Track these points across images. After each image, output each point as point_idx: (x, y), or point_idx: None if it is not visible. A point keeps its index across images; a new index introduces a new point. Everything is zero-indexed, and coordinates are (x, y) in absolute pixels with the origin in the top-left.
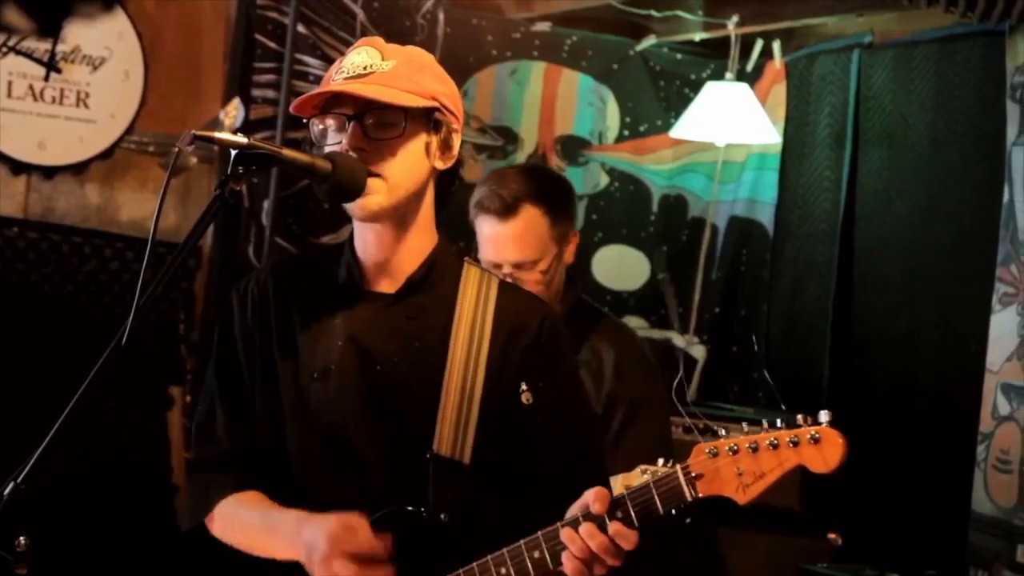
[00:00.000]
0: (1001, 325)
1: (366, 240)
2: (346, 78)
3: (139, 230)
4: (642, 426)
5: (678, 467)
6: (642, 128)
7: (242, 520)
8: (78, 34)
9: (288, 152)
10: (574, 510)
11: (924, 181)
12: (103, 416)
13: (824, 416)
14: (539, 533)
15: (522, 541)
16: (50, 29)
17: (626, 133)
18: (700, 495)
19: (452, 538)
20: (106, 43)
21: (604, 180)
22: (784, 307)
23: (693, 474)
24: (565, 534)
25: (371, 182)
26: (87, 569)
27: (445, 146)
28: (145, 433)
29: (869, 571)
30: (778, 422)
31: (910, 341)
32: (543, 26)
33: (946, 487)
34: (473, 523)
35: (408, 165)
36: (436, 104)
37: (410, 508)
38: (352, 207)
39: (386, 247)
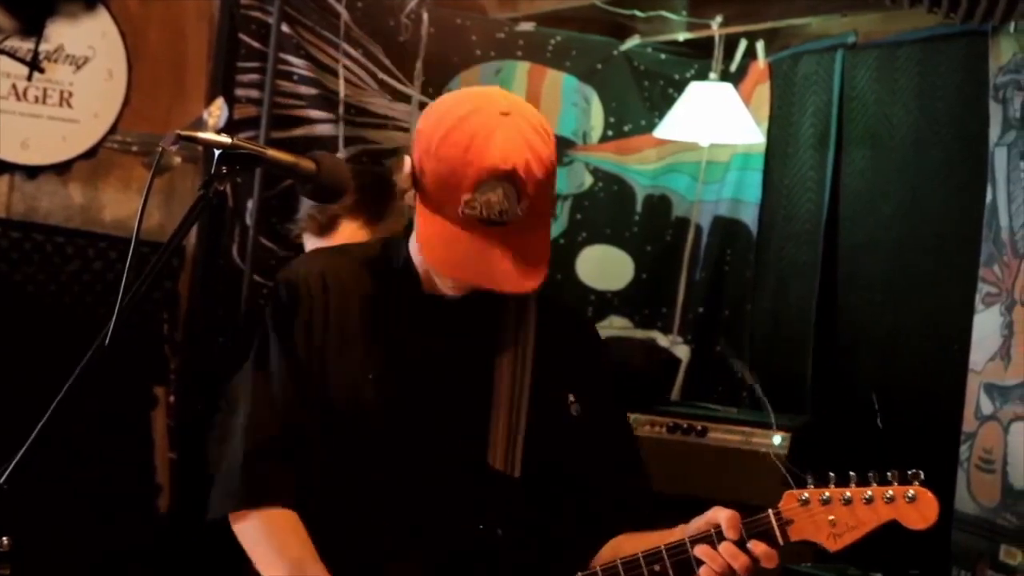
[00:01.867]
0: (984, 325)
1: (423, 262)
2: (481, 221)
3: (122, 230)
4: None
5: (770, 511)
6: (626, 128)
7: (264, 548)
8: (61, 33)
9: (272, 152)
10: (699, 525)
11: (907, 181)
12: (87, 416)
13: (916, 476)
14: (662, 547)
15: (640, 554)
16: (33, 28)
17: (610, 133)
18: (791, 540)
19: (506, 552)
20: (89, 42)
21: (588, 180)
22: (768, 307)
23: (784, 519)
24: (700, 550)
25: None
26: (71, 569)
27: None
28: (129, 433)
29: (853, 571)
30: (869, 476)
31: (893, 341)
32: (527, 26)
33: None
34: (524, 536)
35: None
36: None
37: (467, 521)
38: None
39: None
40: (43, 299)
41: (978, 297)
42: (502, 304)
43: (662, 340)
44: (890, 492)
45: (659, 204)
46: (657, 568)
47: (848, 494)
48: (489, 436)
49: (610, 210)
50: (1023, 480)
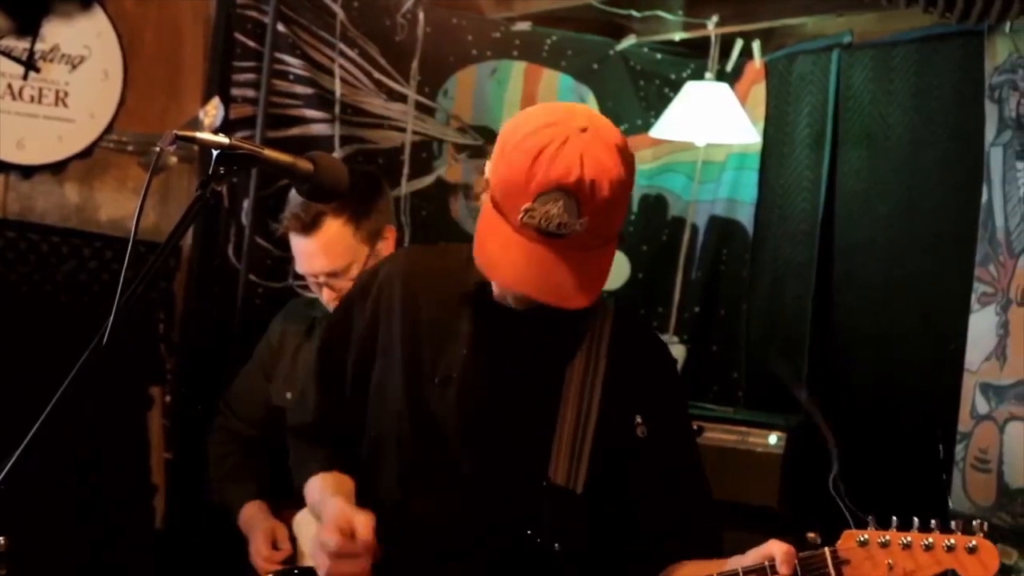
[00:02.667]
0: (979, 325)
1: None
2: (539, 231)
3: (118, 230)
4: None
5: (826, 550)
6: (622, 128)
7: (312, 497)
8: (57, 33)
9: (269, 152)
10: (754, 557)
11: (903, 181)
12: (83, 416)
13: (981, 527)
14: (715, 574)
15: None
16: (28, 28)
17: None
18: None
19: (561, 566)
20: (85, 42)
21: None
22: (763, 307)
23: (841, 559)
24: None
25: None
26: (66, 569)
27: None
28: (125, 433)
29: None
30: (931, 524)
31: (889, 341)
32: (523, 26)
33: (924, 486)
34: (582, 552)
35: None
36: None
37: (526, 534)
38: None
39: None
40: (38, 299)
41: (974, 297)
42: (578, 317)
43: None
44: (951, 540)
45: (655, 204)
46: None
47: (908, 539)
48: (552, 451)
49: None
50: (1019, 480)
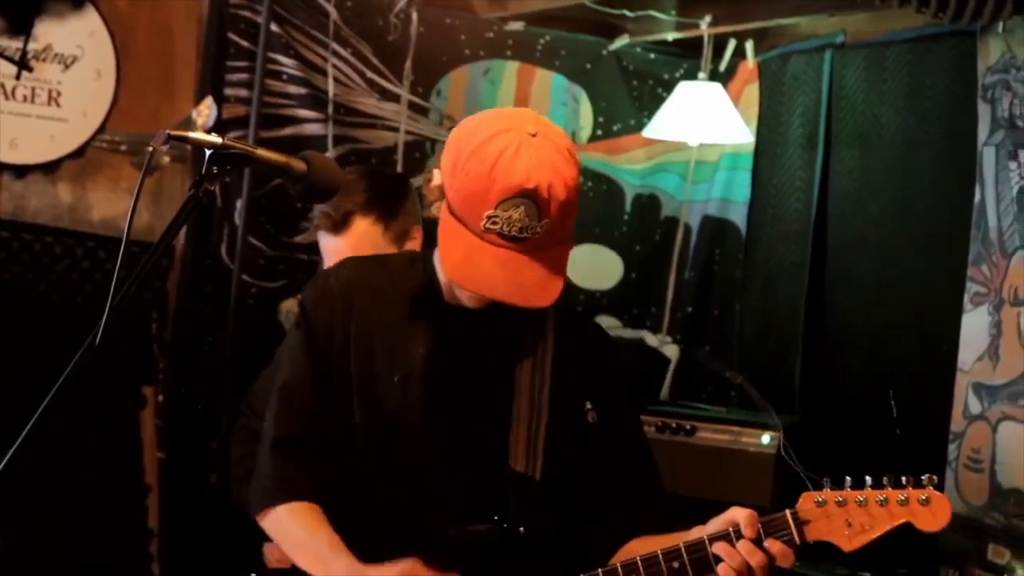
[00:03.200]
0: (972, 325)
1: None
2: (502, 235)
3: (111, 229)
4: None
5: (787, 512)
6: (615, 128)
7: (295, 534)
8: (50, 33)
9: (262, 152)
10: (717, 524)
11: (896, 181)
12: (76, 416)
13: (931, 480)
14: (680, 544)
15: (659, 551)
16: (21, 27)
17: (599, 133)
18: (807, 539)
19: (528, 552)
20: (78, 42)
21: None
22: (756, 306)
23: (802, 519)
24: (719, 547)
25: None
26: (60, 569)
27: None
28: (118, 433)
29: (841, 570)
30: (884, 480)
31: (882, 340)
32: (516, 25)
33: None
34: (550, 537)
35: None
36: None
37: (492, 521)
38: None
39: None
40: (31, 299)
41: (967, 296)
42: (522, 315)
43: (651, 340)
44: (904, 495)
45: (648, 204)
46: (676, 565)
47: (863, 496)
48: (510, 440)
49: (599, 210)
50: (1011, 479)
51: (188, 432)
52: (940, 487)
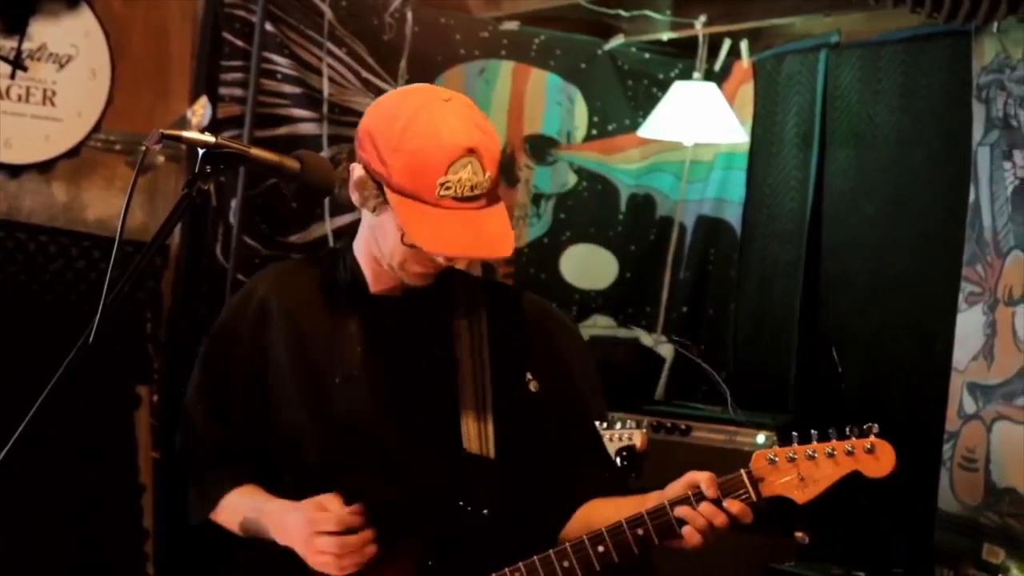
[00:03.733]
0: (967, 324)
1: (369, 256)
2: (457, 199)
3: (105, 229)
4: None
5: (743, 471)
6: (610, 127)
7: (238, 510)
8: (44, 32)
9: (256, 151)
10: (676, 489)
11: (891, 181)
12: (70, 415)
13: (871, 428)
14: (643, 512)
15: (623, 520)
16: (16, 27)
17: (594, 132)
18: (763, 496)
19: (493, 532)
20: (73, 41)
21: (572, 179)
22: (751, 306)
23: (756, 476)
24: (682, 511)
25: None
26: (54, 569)
27: None
28: (112, 432)
29: (836, 570)
30: (830, 433)
31: (877, 340)
32: (511, 25)
33: (912, 485)
34: (512, 516)
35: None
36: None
37: (453, 504)
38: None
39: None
40: (26, 298)
41: (961, 296)
42: (451, 295)
43: (646, 339)
44: (850, 446)
45: (643, 203)
46: (640, 532)
47: (812, 450)
48: (461, 422)
49: (594, 209)
50: (1006, 479)
51: None
52: (883, 436)
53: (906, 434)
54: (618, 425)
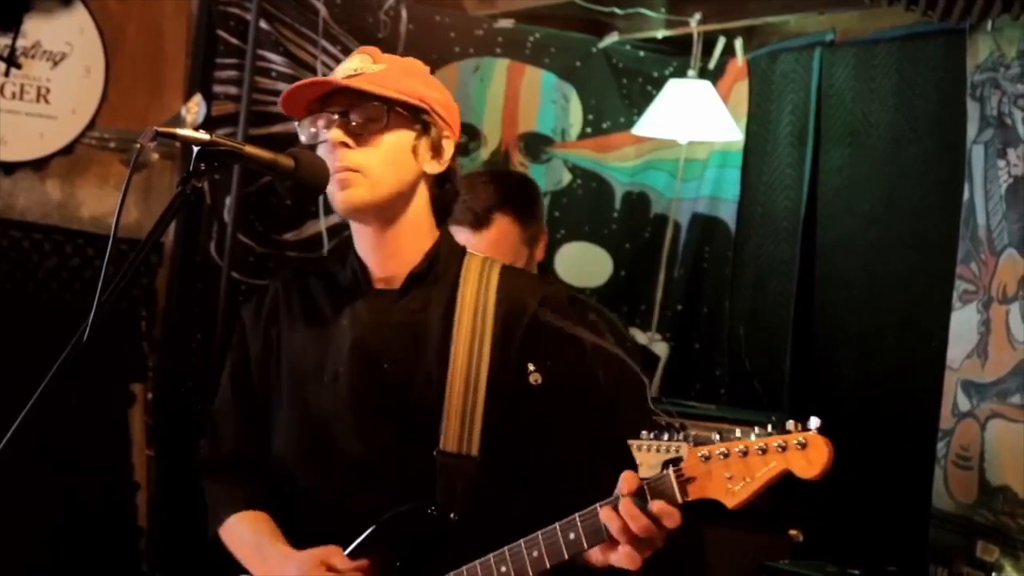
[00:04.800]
0: (961, 322)
1: (361, 241)
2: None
3: (100, 227)
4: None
5: (671, 469)
6: (605, 125)
7: (242, 539)
8: (38, 29)
9: (250, 148)
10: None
11: (885, 179)
12: (64, 413)
13: (814, 422)
14: (576, 515)
15: (557, 523)
16: (9, 24)
17: (589, 130)
18: (690, 498)
19: (462, 535)
20: (67, 38)
21: (567, 177)
22: (746, 304)
23: (685, 477)
24: (604, 513)
25: (352, 176)
26: (48, 567)
27: (436, 150)
28: (106, 430)
29: (830, 568)
30: (769, 427)
31: (871, 338)
32: (506, 23)
33: (907, 484)
34: (485, 518)
35: (391, 161)
36: (422, 105)
37: (420, 508)
38: (334, 202)
39: (381, 246)
40: (20, 296)
41: (955, 294)
42: (458, 283)
43: (641, 337)
44: (782, 441)
45: (638, 201)
46: (572, 536)
47: (743, 446)
48: (442, 419)
49: (589, 207)
50: (1000, 477)
51: (177, 430)
52: (823, 430)
53: (900, 432)
54: (665, 436)
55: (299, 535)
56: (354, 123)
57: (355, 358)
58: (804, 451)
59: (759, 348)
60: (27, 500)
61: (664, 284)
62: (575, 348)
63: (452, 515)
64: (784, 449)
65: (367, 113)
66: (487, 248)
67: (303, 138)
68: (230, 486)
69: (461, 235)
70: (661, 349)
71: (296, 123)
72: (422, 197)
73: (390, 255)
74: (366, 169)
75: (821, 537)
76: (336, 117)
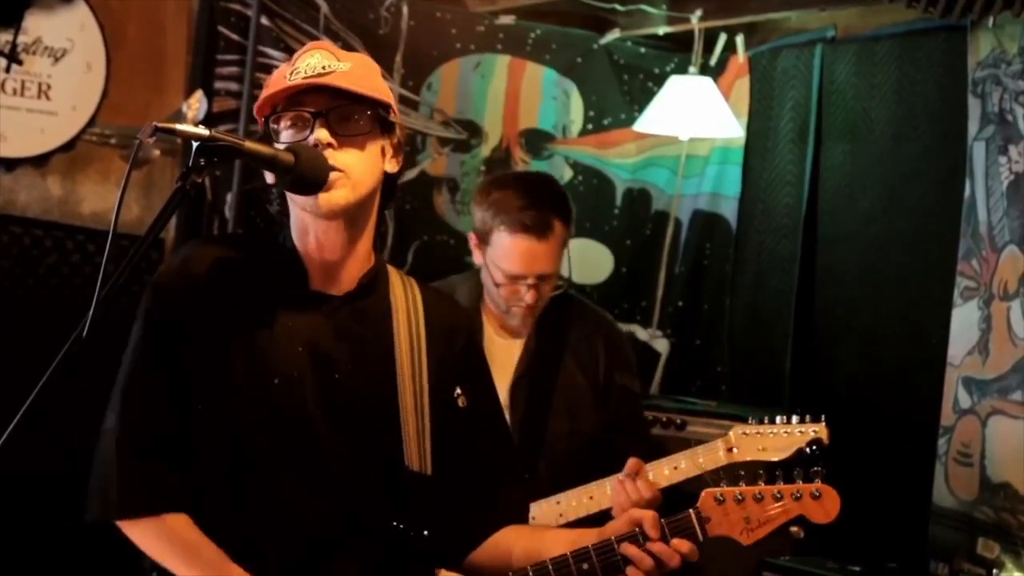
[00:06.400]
0: (962, 319)
1: (319, 240)
2: (305, 78)
3: (101, 223)
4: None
5: (691, 510)
6: (606, 122)
7: (196, 555)
8: (39, 25)
9: (250, 144)
10: (620, 526)
11: (886, 176)
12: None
13: (819, 474)
14: (589, 546)
15: (568, 553)
16: (11, 20)
17: (590, 127)
18: (709, 535)
19: (431, 551)
20: (68, 35)
21: (568, 174)
22: (747, 301)
23: (704, 516)
24: (629, 549)
25: (337, 178)
26: (50, 562)
27: (396, 149)
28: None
29: (831, 564)
30: (777, 475)
31: (872, 335)
32: (507, 19)
33: (907, 480)
34: (448, 534)
35: (369, 163)
36: (391, 104)
37: (386, 522)
38: (315, 203)
39: (339, 248)
40: (21, 292)
41: (956, 291)
42: (390, 298)
43: (641, 334)
44: (798, 490)
45: (639, 198)
46: (585, 567)
47: (759, 492)
48: (403, 436)
49: (590, 204)
50: (1001, 474)
51: None
52: (828, 480)
53: (901, 428)
54: (795, 419)
55: (235, 538)
56: (336, 123)
57: (309, 364)
58: (819, 501)
59: (760, 344)
60: (26, 496)
61: (665, 281)
62: (487, 371)
63: (425, 532)
64: (799, 498)
65: (347, 114)
66: (545, 255)
67: (283, 138)
68: (165, 474)
69: (521, 241)
70: (662, 345)
71: (269, 123)
72: (377, 198)
73: (344, 258)
74: (349, 170)
75: (821, 533)
76: (310, 116)
